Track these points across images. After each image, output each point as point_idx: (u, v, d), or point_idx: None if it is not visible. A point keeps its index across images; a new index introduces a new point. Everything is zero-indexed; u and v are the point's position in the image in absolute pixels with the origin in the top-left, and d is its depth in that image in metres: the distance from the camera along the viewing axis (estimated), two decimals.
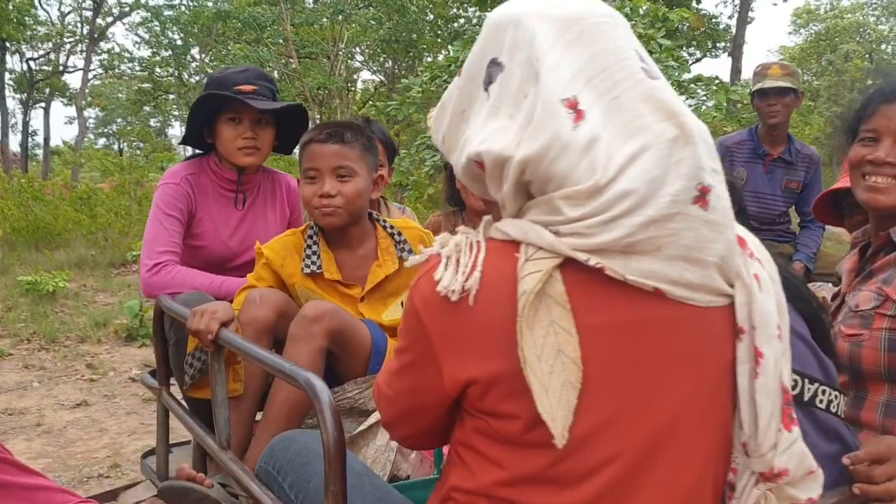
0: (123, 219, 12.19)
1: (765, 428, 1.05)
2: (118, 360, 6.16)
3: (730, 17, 22.28)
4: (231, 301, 2.29)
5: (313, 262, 2.06)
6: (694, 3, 14.64)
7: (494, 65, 1.11)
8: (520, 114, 1.06)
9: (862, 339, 1.71)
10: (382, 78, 25.31)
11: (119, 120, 37.68)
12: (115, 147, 35.25)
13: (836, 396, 1.41)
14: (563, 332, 0.99)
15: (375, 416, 1.88)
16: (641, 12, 7.45)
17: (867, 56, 32.42)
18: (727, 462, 1.10)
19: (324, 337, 1.83)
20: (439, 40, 18.40)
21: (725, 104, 7.63)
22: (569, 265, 1.00)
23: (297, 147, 2.20)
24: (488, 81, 1.11)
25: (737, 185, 1.70)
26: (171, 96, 29.05)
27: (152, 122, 36.67)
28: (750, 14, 20.70)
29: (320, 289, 2.06)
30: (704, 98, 9.08)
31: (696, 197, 1.00)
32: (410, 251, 2.12)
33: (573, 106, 1.02)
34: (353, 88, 22.47)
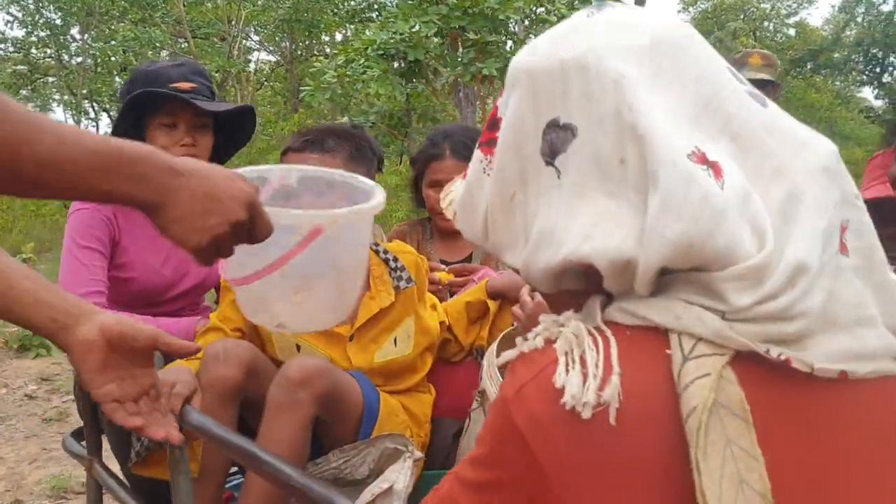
0: (5, 213, 11.42)
1: None
2: (11, 374, 5.51)
3: None
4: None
5: None
6: None
7: (557, 128, 0.80)
8: (625, 188, 0.76)
9: None
10: (279, 58, 24.45)
11: None
12: None
13: None
14: (744, 456, 0.70)
15: (370, 493, 1.56)
16: None
17: (752, 33, 33.60)
18: None
19: (312, 404, 1.48)
20: (337, 19, 17.84)
21: None
22: (739, 359, 0.72)
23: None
24: (552, 152, 0.81)
25: None
26: (51, 79, 27.22)
27: (30, 106, 34.43)
28: None
29: None
30: None
31: (840, 244, 0.77)
32: (409, 279, 1.79)
33: (704, 160, 0.73)
34: (247, 70, 21.60)
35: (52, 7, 21.88)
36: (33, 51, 25.49)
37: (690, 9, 37.78)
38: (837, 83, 29.99)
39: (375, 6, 14.36)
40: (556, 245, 0.80)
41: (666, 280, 0.77)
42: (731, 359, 0.72)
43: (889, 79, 24.60)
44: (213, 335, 1.69)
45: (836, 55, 25.83)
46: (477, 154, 0.92)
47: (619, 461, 0.71)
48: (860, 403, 0.77)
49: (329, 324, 1.58)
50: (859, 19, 25.93)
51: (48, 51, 24.96)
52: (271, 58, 25.66)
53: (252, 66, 24.00)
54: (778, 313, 0.71)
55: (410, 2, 8.00)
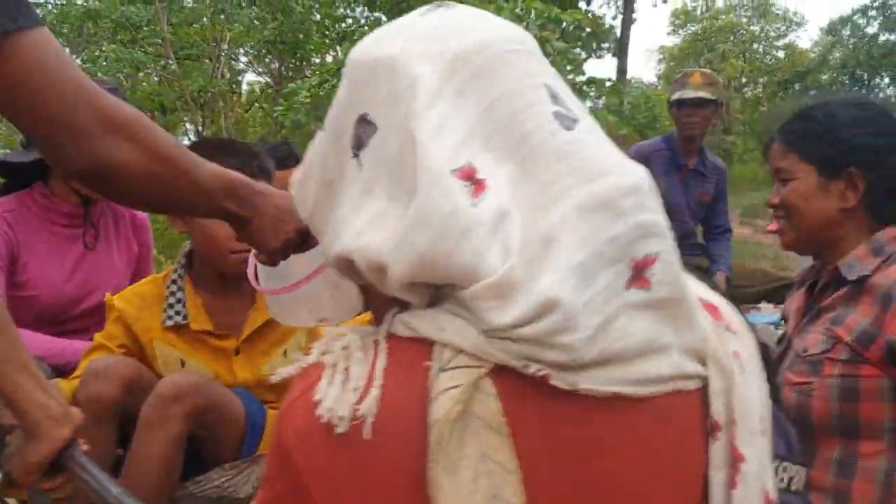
0: None
1: None
2: None
3: (613, 18, 22.58)
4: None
5: (177, 312, 1.68)
6: (584, 5, 14.69)
7: (364, 123, 0.79)
8: (401, 192, 0.74)
9: (811, 388, 1.49)
10: (269, 80, 24.56)
11: None
12: None
13: (796, 472, 1.20)
14: (499, 470, 0.67)
15: None
16: (533, 14, 7.25)
17: (741, 55, 33.82)
18: None
19: (183, 420, 1.45)
20: (327, 41, 17.86)
21: (620, 106, 7.52)
22: (502, 372, 0.69)
23: None
24: (358, 145, 0.79)
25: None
26: None
27: None
28: (633, 15, 21.09)
29: (186, 343, 1.68)
30: (596, 100, 9.01)
31: (629, 279, 0.71)
32: None
33: (469, 176, 0.71)
34: (237, 91, 21.62)
35: None
36: None
37: (681, 31, 38.05)
38: None
39: (365, 28, 14.40)
40: (339, 238, 0.78)
41: (442, 292, 0.74)
42: (492, 371, 0.68)
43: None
44: (97, 354, 1.66)
45: (824, 77, 26.02)
46: (319, 134, 0.91)
47: (373, 476, 0.69)
48: (640, 422, 0.73)
49: (350, 318, 1.71)
50: (845, 41, 26.16)
51: None
52: (261, 79, 25.75)
53: (244, 86, 24.07)
54: (532, 338, 0.67)
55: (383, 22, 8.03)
